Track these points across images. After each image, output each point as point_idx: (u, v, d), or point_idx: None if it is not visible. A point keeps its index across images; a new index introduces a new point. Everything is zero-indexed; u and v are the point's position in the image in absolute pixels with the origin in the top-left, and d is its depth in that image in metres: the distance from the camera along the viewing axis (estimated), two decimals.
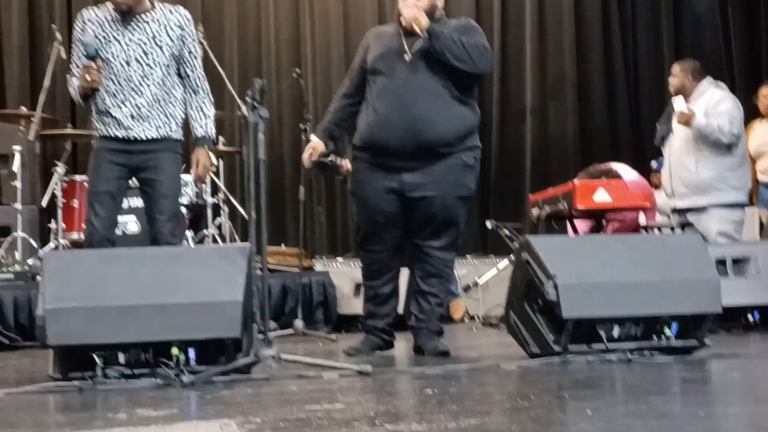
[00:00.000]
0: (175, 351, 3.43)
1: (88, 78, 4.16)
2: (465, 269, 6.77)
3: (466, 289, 6.82)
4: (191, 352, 3.46)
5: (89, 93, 4.25)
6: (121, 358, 3.45)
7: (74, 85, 4.31)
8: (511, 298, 4.06)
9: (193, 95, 4.44)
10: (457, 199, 4.28)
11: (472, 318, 6.69)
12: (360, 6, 8.37)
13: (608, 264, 3.85)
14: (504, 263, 6.81)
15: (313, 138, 4.44)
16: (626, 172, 6.65)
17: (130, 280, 3.50)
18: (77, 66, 4.32)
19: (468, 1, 8.54)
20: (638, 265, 3.85)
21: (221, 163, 7.04)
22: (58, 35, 6.60)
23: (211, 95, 4.53)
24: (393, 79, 4.22)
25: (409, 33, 4.24)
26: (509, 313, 4.05)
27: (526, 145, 8.49)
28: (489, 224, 6.98)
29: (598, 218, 5.91)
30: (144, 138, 4.31)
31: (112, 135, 4.31)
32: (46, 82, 6.47)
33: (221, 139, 7.19)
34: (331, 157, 4.47)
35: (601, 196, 5.61)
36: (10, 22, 7.82)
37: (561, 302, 3.68)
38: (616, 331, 3.76)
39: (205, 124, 4.45)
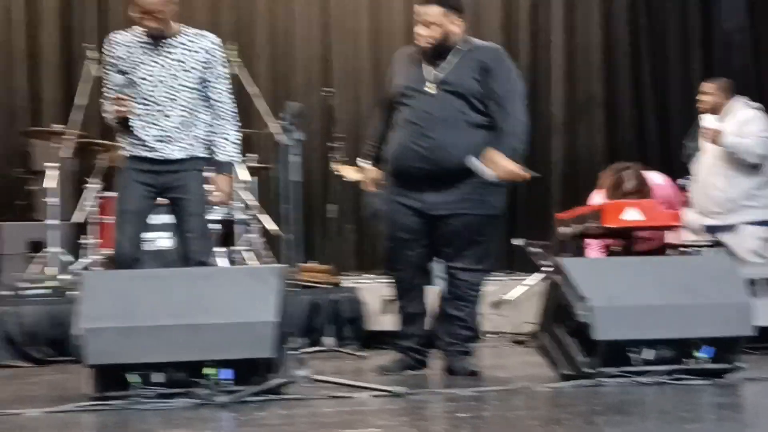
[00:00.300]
0: (209, 371, 3.47)
1: (123, 109, 4.27)
2: (493, 286, 6.76)
3: (494, 305, 6.82)
4: (225, 372, 3.50)
5: (122, 121, 4.35)
6: (156, 377, 3.49)
7: (108, 110, 4.39)
8: (542, 319, 4.08)
9: (217, 119, 4.50)
10: (482, 217, 4.27)
11: (500, 335, 6.68)
12: (389, 22, 8.40)
13: (640, 286, 3.85)
14: (532, 280, 6.81)
15: (366, 165, 4.46)
16: (653, 177, 6.59)
17: (165, 300, 3.56)
18: (110, 90, 4.41)
19: (496, 21, 8.54)
20: (669, 287, 3.86)
21: (252, 179, 7.08)
22: (91, 53, 6.69)
23: (236, 119, 4.58)
24: (413, 109, 4.26)
25: (430, 59, 4.26)
26: (540, 334, 4.06)
27: (554, 163, 8.49)
28: (517, 242, 6.98)
29: (626, 237, 5.90)
30: (170, 159, 4.39)
31: (139, 155, 4.40)
32: (80, 100, 6.55)
33: (253, 156, 7.24)
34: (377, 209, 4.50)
35: (630, 215, 5.60)
36: (44, 41, 7.92)
37: (593, 324, 3.69)
38: (648, 354, 3.76)
39: (227, 151, 4.49)
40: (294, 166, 3.82)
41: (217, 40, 4.51)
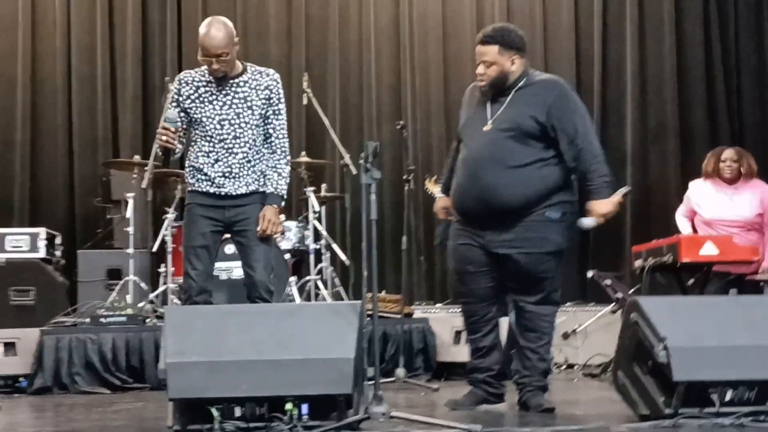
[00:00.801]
0: (289, 406, 3.53)
1: (163, 139, 4.42)
2: (564, 317, 6.74)
3: (565, 336, 6.79)
4: (304, 408, 3.55)
5: (164, 151, 4.54)
6: (238, 411, 3.56)
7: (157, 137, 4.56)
8: (619, 357, 4.06)
9: (273, 153, 4.62)
10: (543, 254, 4.25)
11: (571, 367, 6.65)
12: (460, 53, 8.44)
13: (721, 326, 3.81)
14: (604, 311, 6.77)
15: (439, 195, 4.51)
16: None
17: (247, 335, 3.62)
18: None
19: (568, 50, 8.54)
20: (752, 328, 3.81)
21: (323, 209, 7.17)
22: (170, 87, 6.82)
23: (288, 155, 4.68)
24: (470, 149, 4.31)
25: (492, 98, 4.30)
26: (617, 373, 4.05)
27: (626, 193, 8.41)
28: (590, 273, 6.95)
29: (704, 271, 5.84)
30: (235, 194, 4.51)
31: (205, 191, 4.53)
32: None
33: (323, 185, 7.33)
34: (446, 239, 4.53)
35: (708, 250, 5.54)
36: (124, 74, 8.12)
37: (672, 365, 3.66)
38: (728, 395, 3.71)
39: (277, 183, 4.59)
40: (372, 205, 3.86)
41: (278, 77, 4.63)
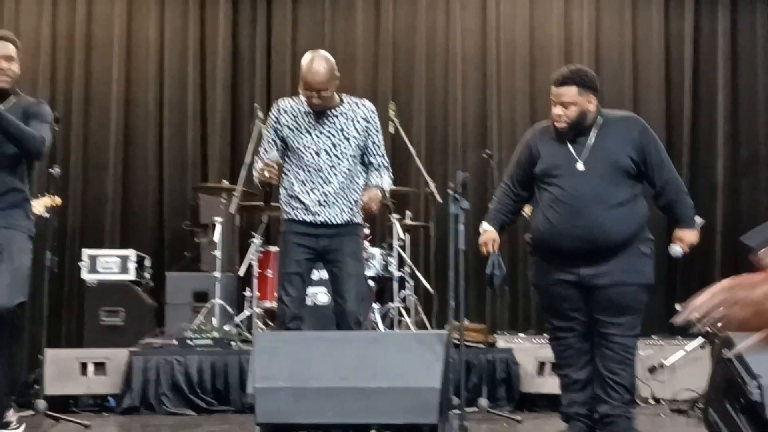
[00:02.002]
0: None
1: (267, 175, 4.48)
2: (650, 350, 6.62)
3: (651, 370, 6.66)
4: None
5: (265, 185, 4.59)
6: None
7: (258, 168, 4.59)
8: (710, 393, 3.97)
9: (374, 171, 4.70)
10: (637, 287, 4.29)
11: (657, 401, 6.51)
12: (548, 82, 8.34)
13: None
14: (692, 345, 6.62)
15: (488, 227, 4.49)
16: None
17: (333, 362, 3.66)
18: (265, 150, 4.64)
19: (658, 79, 8.42)
20: None
21: (407, 237, 7.18)
22: (260, 113, 6.97)
23: (391, 173, 4.77)
24: (563, 189, 4.28)
25: (572, 138, 4.28)
26: (708, 410, 3.96)
27: (716, 223, 8.25)
28: (678, 307, 6.83)
29: None
30: (330, 223, 4.56)
31: (300, 219, 4.59)
32: (247, 158, 6.83)
33: (407, 213, 7.35)
34: (497, 270, 4.48)
35: None
36: (214, 100, 8.27)
37: (766, 403, 3.57)
38: None
39: (381, 180, 4.66)
40: (460, 235, 3.87)
41: (373, 107, 4.71)
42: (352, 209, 4.61)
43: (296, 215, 4.59)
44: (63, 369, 5.96)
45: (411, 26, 8.47)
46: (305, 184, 4.56)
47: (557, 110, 4.28)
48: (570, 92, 4.26)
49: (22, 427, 4.71)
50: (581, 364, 4.38)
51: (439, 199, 6.80)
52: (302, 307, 4.63)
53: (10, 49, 4.55)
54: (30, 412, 5.08)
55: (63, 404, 5.78)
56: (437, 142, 8.39)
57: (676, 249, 4.37)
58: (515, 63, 8.45)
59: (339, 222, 4.58)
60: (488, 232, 4.45)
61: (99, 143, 8.16)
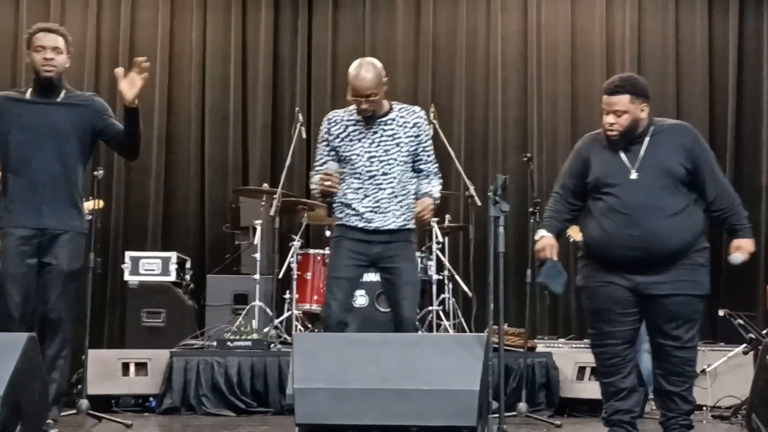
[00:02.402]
0: None
1: (327, 184, 4.48)
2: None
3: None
4: None
5: (327, 195, 4.57)
6: None
7: (315, 181, 4.62)
8: (754, 400, 3.93)
9: (425, 178, 4.70)
10: (694, 297, 4.24)
11: (700, 408, 6.44)
12: (589, 85, 8.35)
13: None
14: (735, 352, 6.55)
15: (545, 233, 4.46)
16: None
17: (373, 364, 3.65)
18: (321, 164, 4.65)
19: (701, 82, 8.34)
20: None
21: (446, 240, 7.18)
22: (300, 117, 7.02)
23: (441, 178, 4.79)
24: (619, 198, 4.23)
25: (625, 146, 4.26)
26: (751, 416, 3.92)
27: (761, 228, 8.13)
28: (721, 313, 6.75)
29: None
30: (383, 229, 4.56)
31: (353, 225, 4.59)
32: (287, 161, 6.86)
33: (447, 216, 7.34)
34: (559, 277, 4.43)
35: None
36: (255, 104, 8.34)
37: None
38: None
39: (432, 187, 4.68)
40: (500, 238, 3.86)
41: (423, 113, 4.71)
42: (405, 215, 4.62)
43: (349, 221, 4.60)
44: (105, 369, 6.03)
45: (451, 30, 8.48)
46: (357, 192, 4.58)
47: (609, 119, 4.25)
48: (622, 101, 4.22)
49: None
50: (626, 372, 4.32)
51: (478, 202, 6.78)
52: (348, 313, 4.63)
53: (59, 41, 4.62)
54: (73, 412, 5.14)
55: (105, 404, 5.84)
56: (477, 145, 8.38)
57: (738, 257, 4.32)
58: (556, 66, 8.43)
59: (392, 228, 4.58)
60: (545, 237, 4.39)
61: (142, 147, 8.17)
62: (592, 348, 4.46)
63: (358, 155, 4.57)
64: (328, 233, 6.98)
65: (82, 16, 8.34)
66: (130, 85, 4.55)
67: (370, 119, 4.58)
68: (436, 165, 4.76)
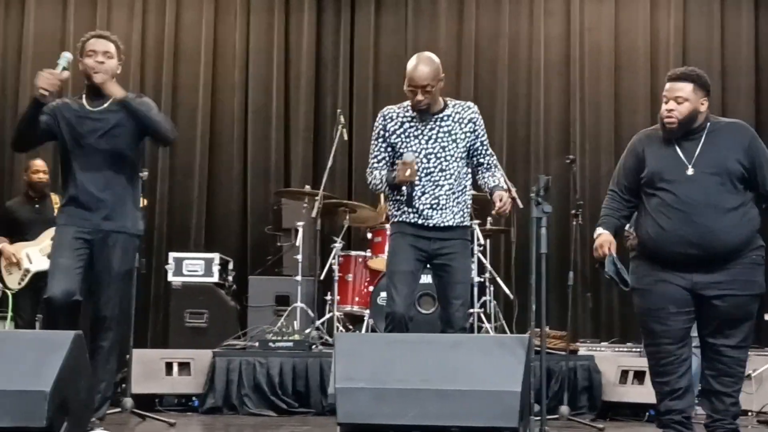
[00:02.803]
0: None
1: (407, 174, 4.46)
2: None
3: None
4: None
5: (405, 184, 4.53)
6: None
7: (377, 177, 4.62)
8: None
9: (488, 170, 4.72)
10: (750, 297, 4.20)
11: (745, 413, 6.36)
12: (633, 88, 8.31)
13: None
14: None
15: (602, 230, 4.41)
16: None
17: (414, 364, 3.64)
18: (378, 160, 4.64)
19: (747, 85, 8.25)
20: None
21: (488, 242, 7.16)
22: (342, 119, 7.04)
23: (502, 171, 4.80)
24: (675, 195, 4.20)
25: (680, 140, 4.22)
26: None
27: None
28: (767, 317, 6.67)
29: None
30: (442, 225, 4.56)
31: (412, 221, 4.59)
32: (329, 162, 6.90)
33: (488, 219, 7.33)
34: (622, 272, 4.38)
35: None
36: (298, 106, 8.40)
37: None
38: None
39: (499, 179, 4.68)
40: (542, 239, 3.85)
41: (477, 109, 4.72)
42: (462, 212, 4.63)
43: (407, 218, 4.59)
44: (149, 369, 6.08)
45: (494, 33, 8.48)
46: (416, 188, 4.57)
47: (669, 105, 4.23)
48: (686, 88, 4.21)
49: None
50: (682, 372, 4.27)
51: (520, 204, 6.73)
52: (412, 307, 4.64)
53: (110, 46, 4.71)
54: (117, 410, 5.19)
55: (149, 403, 5.89)
56: (519, 149, 8.37)
57: None
58: (600, 69, 8.39)
59: (451, 225, 4.58)
60: (603, 234, 4.35)
61: (185, 148, 8.33)
62: (646, 347, 4.42)
63: (415, 151, 4.55)
64: (369, 235, 7.03)
65: (127, 19, 8.45)
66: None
67: (424, 114, 4.56)
68: (494, 157, 4.77)
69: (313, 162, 8.28)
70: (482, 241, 6.94)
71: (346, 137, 7.15)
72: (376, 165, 4.66)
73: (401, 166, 4.48)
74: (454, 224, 4.58)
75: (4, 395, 3.50)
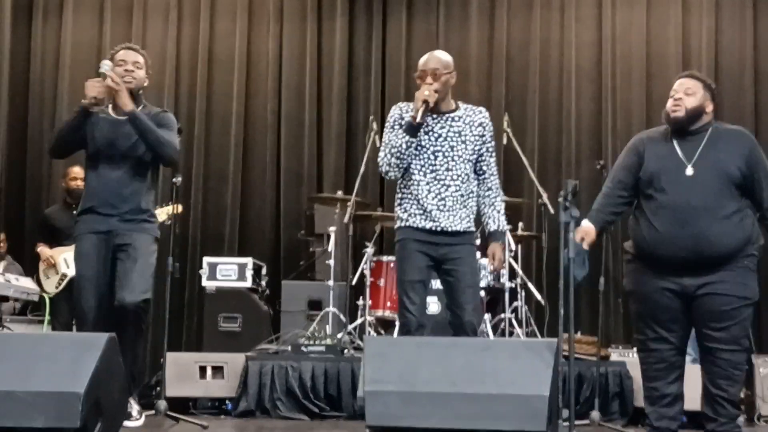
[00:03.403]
0: None
1: (426, 92, 4.43)
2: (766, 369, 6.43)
3: None
4: None
5: (424, 106, 4.45)
6: None
7: (384, 156, 4.57)
8: None
9: (489, 191, 4.68)
10: (742, 299, 4.21)
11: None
12: (665, 94, 8.23)
13: None
14: None
15: (586, 223, 4.41)
16: None
17: (442, 367, 3.66)
18: (386, 143, 4.59)
19: None
20: None
21: (519, 248, 7.17)
22: (374, 125, 7.10)
23: (501, 191, 4.78)
24: (672, 196, 4.22)
25: (681, 136, 4.24)
26: None
27: None
28: None
29: None
30: (449, 230, 4.55)
31: (419, 226, 4.56)
32: (361, 169, 6.93)
33: (520, 224, 7.34)
34: (580, 268, 4.38)
35: None
36: (330, 112, 8.46)
37: None
38: None
39: (498, 220, 4.67)
40: (570, 243, 3.87)
41: (488, 114, 4.72)
42: (469, 216, 4.60)
43: (415, 222, 4.56)
44: (183, 372, 6.13)
45: (525, 39, 8.48)
46: (422, 186, 4.55)
47: (677, 95, 4.28)
48: (695, 85, 4.29)
49: (142, 418, 4.94)
50: (672, 378, 4.31)
51: (551, 210, 6.77)
52: (424, 315, 4.63)
53: (139, 57, 4.95)
54: (151, 413, 5.27)
55: (183, 405, 5.95)
56: (550, 154, 8.35)
57: None
58: (631, 75, 8.35)
59: (458, 230, 4.55)
60: (585, 226, 4.36)
61: (219, 155, 8.43)
62: (639, 352, 4.46)
63: (423, 147, 4.54)
64: None
65: (162, 28, 8.55)
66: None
67: (436, 113, 4.56)
68: (497, 177, 4.73)
69: (346, 168, 8.33)
70: (513, 247, 6.95)
71: (378, 144, 7.20)
72: (383, 147, 4.62)
73: (425, 87, 4.44)
74: (462, 230, 4.56)
75: (39, 396, 3.55)
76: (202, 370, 6.20)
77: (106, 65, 4.80)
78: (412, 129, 4.48)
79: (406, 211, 4.60)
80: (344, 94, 8.47)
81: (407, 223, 4.59)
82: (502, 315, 6.79)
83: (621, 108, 8.33)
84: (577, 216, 3.93)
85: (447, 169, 4.55)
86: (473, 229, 4.66)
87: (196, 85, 8.51)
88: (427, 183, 4.55)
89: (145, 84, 4.96)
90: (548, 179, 8.02)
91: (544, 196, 6.94)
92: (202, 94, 8.49)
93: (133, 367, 4.82)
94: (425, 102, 4.43)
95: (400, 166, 4.53)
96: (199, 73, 8.49)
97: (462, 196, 4.57)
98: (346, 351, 6.37)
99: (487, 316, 6.68)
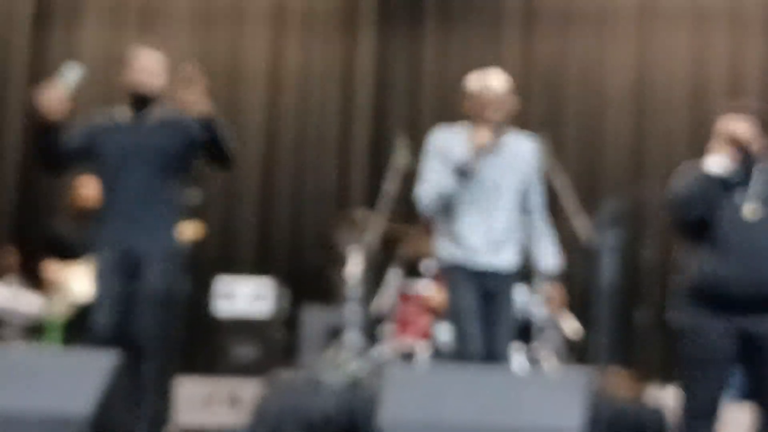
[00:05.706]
0: None
1: (485, 138, 4.22)
2: None
3: None
4: None
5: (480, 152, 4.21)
6: None
7: (428, 193, 4.36)
8: None
9: (539, 223, 4.48)
10: None
11: None
12: (709, 119, 7.97)
13: None
14: None
15: None
16: None
17: (467, 398, 3.48)
18: (429, 178, 4.41)
19: None
20: None
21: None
22: (402, 144, 6.87)
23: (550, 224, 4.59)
24: (729, 233, 4.02)
25: (735, 177, 4.06)
26: None
27: None
28: None
29: None
30: (497, 266, 4.34)
31: (462, 265, 4.35)
32: (388, 188, 6.69)
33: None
34: None
35: None
36: (356, 130, 8.28)
37: None
38: None
39: (555, 258, 4.49)
40: (607, 269, 3.62)
41: (538, 141, 4.54)
42: (517, 254, 4.42)
43: (461, 255, 4.36)
44: (194, 399, 5.99)
45: (562, 59, 8.26)
46: (469, 217, 4.33)
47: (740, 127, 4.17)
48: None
49: None
50: (711, 421, 4.07)
51: (588, 235, 6.50)
52: (480, 345, 4.37)
53: (161, 59, 4.81)
54: None
55: None
56: (588, 178, 8.10)
57: None
58: (672, 98, 8.10)
59: (505, 266, 4.37)
60: None
61: (240, 172, 8.22)
62: (684, 390, 4.17)
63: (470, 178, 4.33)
64: (426, 266, 6.78)
65: (186, 41, 8.43)
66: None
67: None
68: (543, 210, 4.52)
69: (371, 188, 8.09)
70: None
71: (406, 163, 6.96)
72: (426, 179, 4.44)
73: (475, 133, 4.18)
74: (509, 265, 4.37)
75: (44, 417, 3.44)
76: (215, 397, 6.05)
77: (71, 70, 4.55)
78: (465, 175, 4.25)
79: (453, 244, 4.40)
80: (371, 111, 8.27)
81: (455, 260, 4.39)
82: (535, 344, 6.50)
83: (662, 133, 8.08)
84: (615, 241, 3.68)
85: (496, 200, 4.35)
86: (518, 264, 4.46)
87: (219, 100, 8.28)
88: (476, 214, 4.34)
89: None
90: (586, 203, 7.76)
91: (581, 220, 6.67)
92: (224, 109, 8.21)
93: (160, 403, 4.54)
94: (483, 147, 4.17)
95: (444, 205, 4.34)
96: (223, 88, 8.31)
97: (510, 229, 4.36)
98: (367, 380, 6.09)
99: (518, 345, 6.39)
